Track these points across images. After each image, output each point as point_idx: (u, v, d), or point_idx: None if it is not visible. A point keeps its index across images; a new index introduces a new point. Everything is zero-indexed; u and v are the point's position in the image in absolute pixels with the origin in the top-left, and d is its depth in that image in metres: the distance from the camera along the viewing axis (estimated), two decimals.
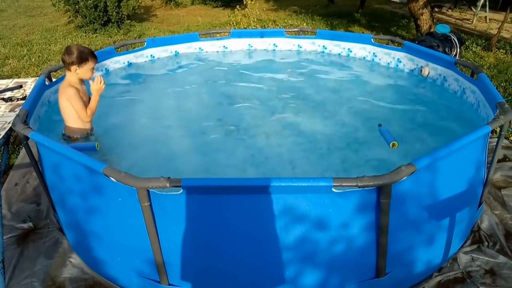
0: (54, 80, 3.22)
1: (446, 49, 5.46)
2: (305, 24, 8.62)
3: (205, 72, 4.53)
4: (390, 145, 2.81)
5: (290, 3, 11.16)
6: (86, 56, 2.60)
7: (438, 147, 1.91)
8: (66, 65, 2.61)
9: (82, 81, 2.75)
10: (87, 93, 2.77)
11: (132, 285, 2.22)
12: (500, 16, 8.02)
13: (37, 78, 3.09)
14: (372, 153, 2.98)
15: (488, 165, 2.52)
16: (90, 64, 2.63)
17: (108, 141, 2.88)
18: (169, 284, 2.07)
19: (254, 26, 8.15)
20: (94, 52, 2.69)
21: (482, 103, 2.87)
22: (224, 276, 2.02)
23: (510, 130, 3.85)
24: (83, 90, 2.73)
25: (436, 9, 9.22)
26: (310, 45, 4.81)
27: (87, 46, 2.86)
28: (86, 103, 2.69)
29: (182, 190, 1.75)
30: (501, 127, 2.26)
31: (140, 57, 4.56)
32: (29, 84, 3.32)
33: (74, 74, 2.62)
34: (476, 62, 5.84)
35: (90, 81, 2.66)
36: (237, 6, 8.82)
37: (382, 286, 2.07)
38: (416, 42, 5.65)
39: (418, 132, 3.15)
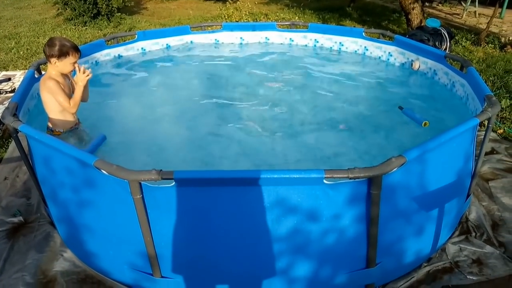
0: (43, 73, 3.17)
1: (436, 43, 5.51)
2: (297, 17, 8.61)
3: (197, 65, 4.51)
4: (423, 125, 2.97)
5: None
6: (67, 50, 2.54)
7: (427, 139, 1.94)
8: (46, 57, 2.56)
9: (66, 74, 2.69)
10: (70, 86, 2.72)
11: (125, 278, 2.22)
12: (489, 11, 8.09)
13: (26, 71, 3.05)
14: (362, 145, 3.01)
15: (476, 157, 2.56)
16: (70, 59, 2.57)
17: (99, 134, 2.86)
18: (162, 277, 2.07)
19: (246, 19, 8.11)
20: (77, 47, 2.62)
21: (471, 96, 2.91)
22: (217, 268, 2.03)
23: (498, 123, 3.91)
24: (65, 82, 2.66)
25: (427, 4, 9.27)
26: (302, 38, 4.81)
27: (76, 39, 2.81)
28: (69, 96, 2.63)
29: (174, 183, 1.75)
30: (489, 119, 2.29)
31: (131, 50, 4.52)
32: (18, 77, 3.29)
33: (54, 67, 2.58)
34: (466, 56, 5.90)
35: (77, 70, 2.60)
36: None
37: (372, 276, 2.11)
38: (407, 36, 5.68)
39: (408, 125, 3.18)
